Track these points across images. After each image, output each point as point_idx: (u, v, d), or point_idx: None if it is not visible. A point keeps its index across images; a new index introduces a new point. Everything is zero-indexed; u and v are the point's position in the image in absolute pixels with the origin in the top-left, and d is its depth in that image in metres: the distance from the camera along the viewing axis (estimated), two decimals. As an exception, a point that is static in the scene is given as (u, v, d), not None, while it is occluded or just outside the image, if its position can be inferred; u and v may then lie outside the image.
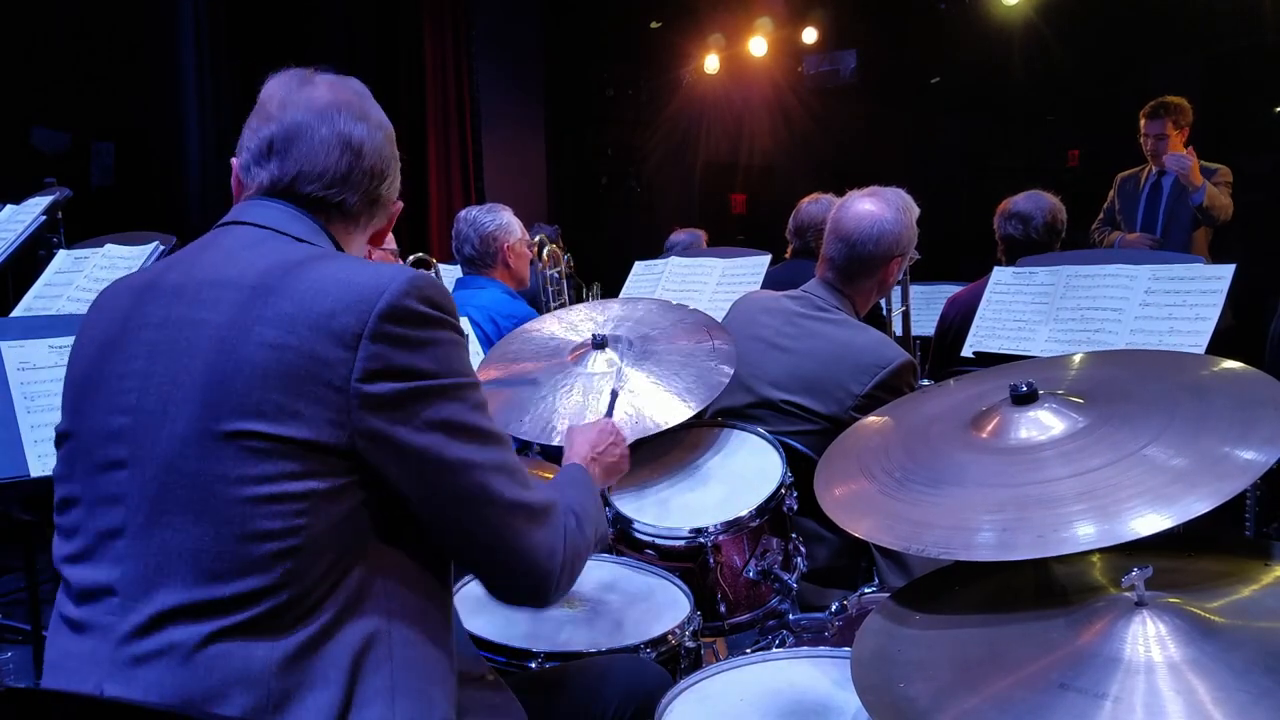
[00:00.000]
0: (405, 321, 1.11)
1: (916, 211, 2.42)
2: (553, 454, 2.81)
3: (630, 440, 2.14)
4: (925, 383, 2.63)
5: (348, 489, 1.10)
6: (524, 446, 2.18)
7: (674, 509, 2.01)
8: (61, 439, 1.21)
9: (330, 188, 1.25)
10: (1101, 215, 4.95)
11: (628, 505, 2.03)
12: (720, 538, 1.92)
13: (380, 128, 1.29)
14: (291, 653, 1.06)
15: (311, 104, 1.25)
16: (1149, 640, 0.98)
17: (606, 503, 2.06)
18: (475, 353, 2.33)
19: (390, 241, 3.76)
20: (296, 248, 1.20)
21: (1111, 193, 4.91)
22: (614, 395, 1.95)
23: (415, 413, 1.11)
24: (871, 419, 1.55)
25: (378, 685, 1.09)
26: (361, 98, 1.30)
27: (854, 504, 1.31)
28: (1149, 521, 1.05)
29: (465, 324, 2.77)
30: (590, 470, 1.58)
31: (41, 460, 1.99)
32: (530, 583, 1.21)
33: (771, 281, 3.21)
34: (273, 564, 1.05)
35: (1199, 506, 1.05)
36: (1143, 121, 4.63)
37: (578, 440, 1.65)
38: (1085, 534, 1.07)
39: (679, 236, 5.68)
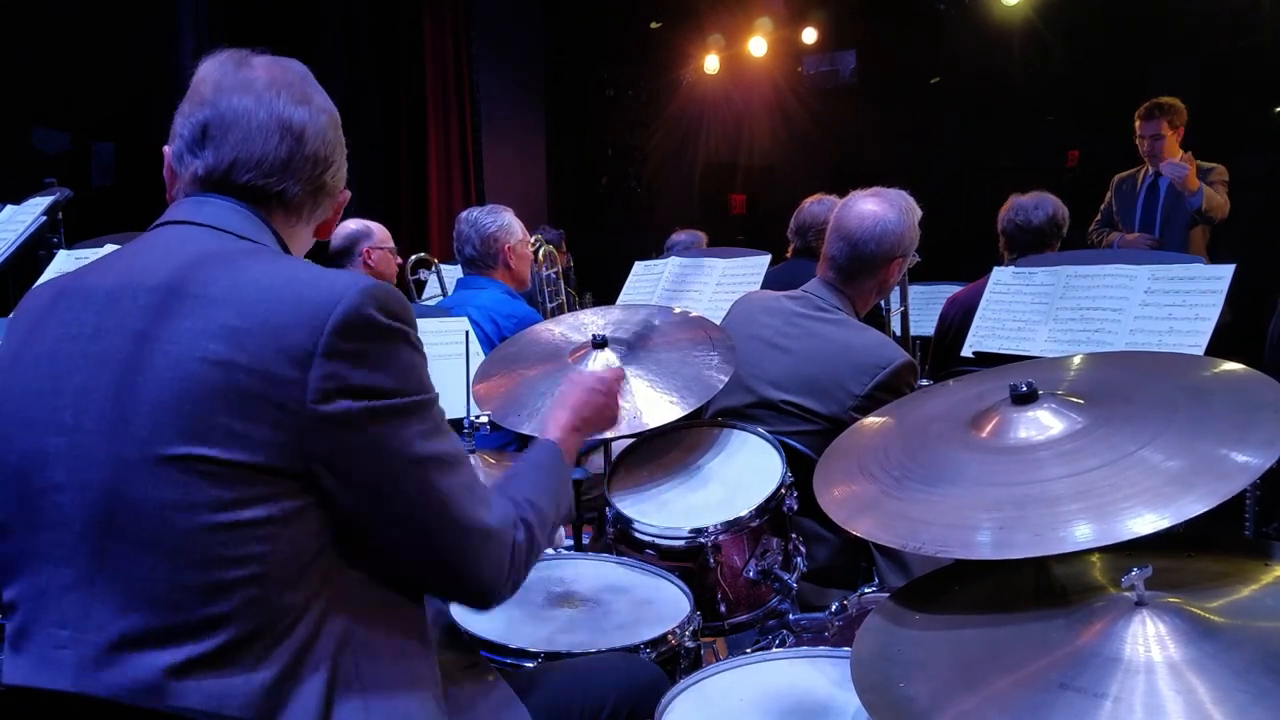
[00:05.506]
0: (360, 336, 1.04)
1: (919, 213, 2.43)
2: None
3: (627, 434, 2.15)
4: (925, 383, 2.63)
5: (304, 512, 1.04)
6: (524, 440, 2.18)
7: (674, 509, 2.01)
8: None
9: (269, 175, 1.18)
10: (1099, 216, 4.96)
11: (628, 505, 2.03)
12: (720, 538, 1.92)
13: (323, 111, 1.22)
14: (269, 683, 1.02)
15: (248, 86, 1.17)
16: (1149, 640, 0.98)
17: (607, 502, 2.06)
18: (476, 353, 2.33)
19: (388, 240, 3.77)
20: (238, 249, 1.12)
21: (1109, 194, 4.92)
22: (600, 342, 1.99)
23: (372, 434, 1.05)
24: (871, 419, 1.55)
25: (351, 708, 1.06)
26: (303, 79, 1.22)
27: (853, 503, 1.31)
28: (1145, 521, 1.05)
29: (465, 323, 2.78)
30: (567, 443, 1.50)
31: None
32: (479, 599, 1.21)
33: (771, 281, 3.22)
34: (233, 592, 1.01)
35: (1194, 507, 1.05)
36: (1138, 123, 4.64)
37: (564, 406, 1.58)
38: (1081, 533, 1.07)
39: (679, 237, 5.68)
